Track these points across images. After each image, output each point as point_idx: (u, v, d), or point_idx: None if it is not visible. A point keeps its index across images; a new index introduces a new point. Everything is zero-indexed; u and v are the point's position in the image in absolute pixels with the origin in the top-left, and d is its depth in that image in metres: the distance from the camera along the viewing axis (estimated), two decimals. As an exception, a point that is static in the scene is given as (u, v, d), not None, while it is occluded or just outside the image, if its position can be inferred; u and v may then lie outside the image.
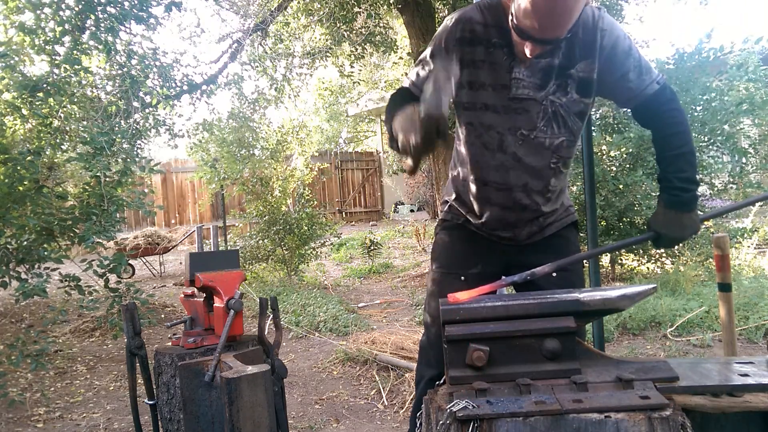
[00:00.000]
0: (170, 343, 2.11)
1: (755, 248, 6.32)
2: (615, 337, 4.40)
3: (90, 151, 3.91)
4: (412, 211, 16.47)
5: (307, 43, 8.76)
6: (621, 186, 5.41)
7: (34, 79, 3.97)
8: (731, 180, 5.70)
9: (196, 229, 6.77)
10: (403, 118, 1.46)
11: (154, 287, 8.23)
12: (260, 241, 7.67)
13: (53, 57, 4.08)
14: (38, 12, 4.10)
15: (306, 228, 7.50)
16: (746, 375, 1.22)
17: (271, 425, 1.61)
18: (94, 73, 4.64)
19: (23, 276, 3.64)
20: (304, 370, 4.22)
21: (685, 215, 1.61)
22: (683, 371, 1.25)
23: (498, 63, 1.63)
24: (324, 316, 5.42)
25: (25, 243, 3.71)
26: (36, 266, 3.78)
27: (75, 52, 4.15)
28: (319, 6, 7.95)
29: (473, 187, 1.81)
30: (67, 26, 4.13)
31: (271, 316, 2.05)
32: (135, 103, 4.65)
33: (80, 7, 4.20)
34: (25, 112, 3.98)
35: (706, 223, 5.84)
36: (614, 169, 5.76)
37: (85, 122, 4.35)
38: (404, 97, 1.70)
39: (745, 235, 5.84)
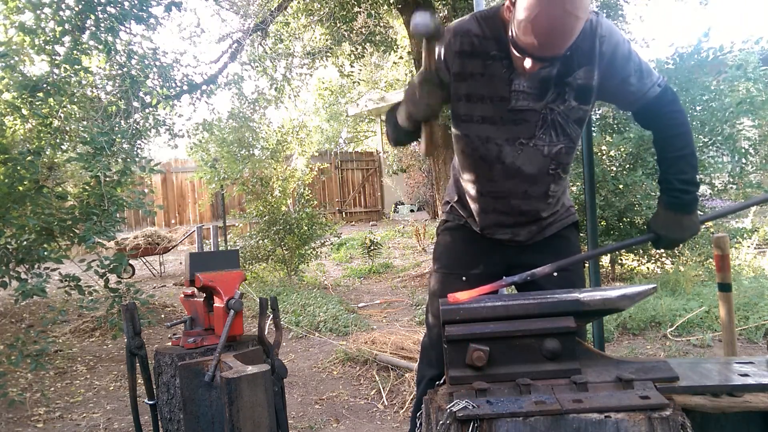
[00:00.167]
0: (170, 343, 2.11)
1: (755, 248, 6.32)
2: (615, 337, 4.39)
3: (90, 151, 3.91)
4: (412, 211, 16.47)
5: (307, 43, 8.77)
6: (621, 186, 5.40)
7: (34, 79, 3.97)
8: (731, 180, 5.70)
9: (196, 229, 6.77)
10: (404, 95, 1.55)
11: (154, 287, 8.23)
12: (260, 241, 7.66)
13: (53, 57, 4.08)
14: (38, 12, 4.10)
15: (306, 228, 7.50)
16: (746, 375, 1.22)
17: (271, 425, 1.61)
18: (94, 73, 4.64)
19: (23, 276, 3.64)
20: (304, 370, 4.22)
21: (685, 217, 1.61)
22: (683, 371, 1.25)
23: (497, 75, 1.62)
24: (324, 316, 5.42)
25: (25, 243, 3.71)
26: (36, 266, 3.78)
27: (75, 52, 4.15)
28: (319, 6, 7.96)
29: (472, 195, 1.81)
30: (67, 26, 4.13)
31: (271, 316, 2.05)
32: (135, 103, 4.65)
33: (80, 7, 4.20)
34: (25, 112, 3.98)
35: (706, 223, 5.83)
36: (614, 169, 5.76)
37: (85, 122, 4.35)
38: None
39: (745, 235, 5.84)
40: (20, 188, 3.67)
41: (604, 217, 5.55)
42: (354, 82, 10.34)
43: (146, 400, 2.05)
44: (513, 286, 1.68)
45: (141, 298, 3.96)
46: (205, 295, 2.10)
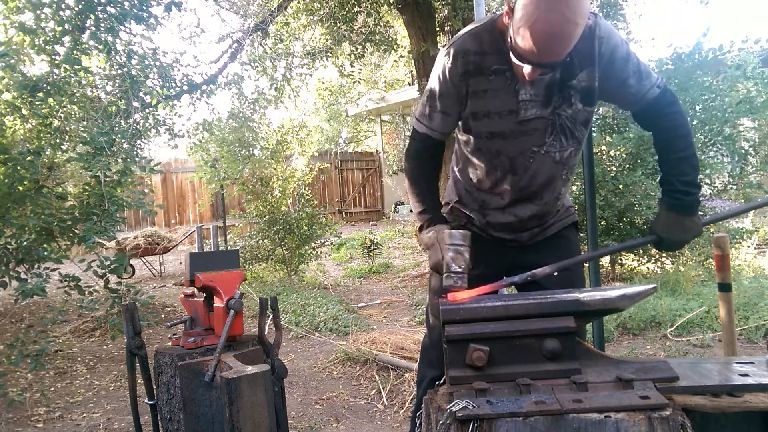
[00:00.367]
0: (170, 343, 2.11)
1: (755, 248, 6.32)
2: (615, 337, 4.39)
3: (90, 151, 3.91)
4: (411, 211, 16.44)
5: (307, 43, 8.77)
6: (621, 186, 5.41)
7: (34, 79, 3.97)
8: (731, 180, 5.70)
9: (196, 229, 6.77)
10: (431, 244, 1.67)
11: (154, 287, 8.23)
12: (260, 241, 7.66)
13: (53, 57, 4.08)
14: (38, 12, 4.10)
15: (306, 228, 7.50)
16: (746, 375, 1.22)
17: (271, 425, 1.61)
18: (94, 73, 4.64)
19: (23, 276, 3.64)
20: (304, 370, 4.22)
21: (687, 218, 1.61)
22: (683, 371, 1.25)
23: (503, 89, 1.62)
24: (324, 316, 5.42)
25: (25, 243, 3.71)
26: (36, 266, 3.78)
27: (75, 52, 4.15)
28: (319, 6, 7.96)
29: (485, 200, 1.81)
30: (67, 26, 4.13)
31: (271, 316, 2.05)
32: (135, 103, 4.65)
33: (80, 7, 4.19)
34: (25, 112, 3.98)
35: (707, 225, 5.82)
36: (614, 169, 5.76)
37: (85, 122, 4.35)
38: (426, 153, 1.80)
39: (745, 236, 5.84)
40: (20, 188, 3.67)
41: (604, 217, 5.55)
42: (354, 82, 10.33)
43: (146, 400, 2.05)
44: (513, 286, 1.69)
45: (141, 299, 3.96)
46: (205, 295, 2.10)
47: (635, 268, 6.05)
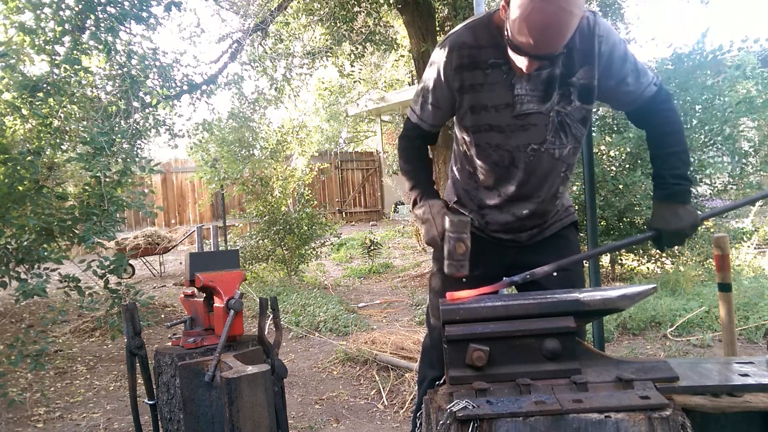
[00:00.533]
0: (170, 343, 2.11)
1: (755, 248, 6.32)
2: (615, 337, 4.39)
3: (90, 151, 3.91)
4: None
5: (307, 43, 8.77)
6: (621, 186, 5.41)
7: (34, 79, 3.97)
8: (731, 180, 5.70)
9: (196, 229, 6.77)
10: (425, 219, 1.73)
11: (154, 287, 8.23)
12: (260, 241, 7.66)
13: (53, 57, 4.08)
14: (38, 12, 4.10)
15: (306, 228, 7.50)
16: (746, 375, 1.22)
17: (271, 425, 1.61)
18: (94, 73, 4.64)
19: (23, 276, 3.64)
20: (304, 370, 4.22)
21: (680, 207, 1.61)
22: (683, 371, 1.25)
23: (498, 83, 1.62)
24: (324, 316, 5.42)
25: (25, 243, 3.71)
26: (36, 266, 3.78)
27: (75, 52, 4.15)
28: (319, 6, 7.96)
29: (482, 199, 1.81)
30: (67, 26, 4.13)
31: (271, 316, 2.05)
32: (135, 103, 4.65)
33: (80, 7, 4.20)
34: (25, 112, 3.98)
35: (706, 223, 5.84)
36: (614, 169, 5.76)
37: (85, 122, 4.35)
38: (417, 139, 1.87)
39: (744, 237, 5.84)
40: (20, 188, 3.67)
41: (604, 217, 5.55)
42: (354, 82, 10.33)
43: (146, 400, 2.05)
44: (513, 286, 1.69)
45: (141, 299, 3.96)
46: (205, 295, 2.10)
47: (635, 268, 6.05)
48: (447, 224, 1.59)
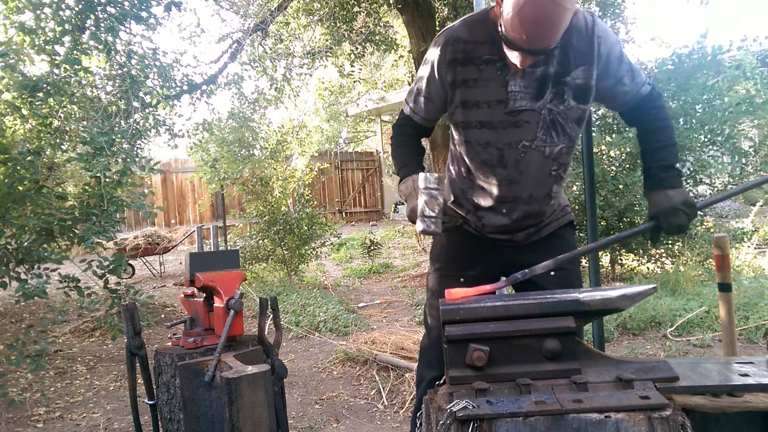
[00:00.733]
0: (170, 343, 2.11)
1: (755, 248, 6.32)
2: (615, 337, 4.39)
3: (90, 151, 3.91)
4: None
5: (307, 43, 8.77)
6: (621, 186, 5.41)
7: (34, 79, 3.97)
8: (731, 180, 5.70)
9: (196, 229, 6.76)
10: (408, 193, 1.72)
11: (154, 287, 8.23)
12: (260, 241, 7.66)
13: (53, 57, 4.08)
14: (38, 12, 4.10)
15: (306, 228, 7.50)
16: (746, 375, 1.22)
17: (271, 425, 1.61)
18: (94, 73, 4.64)
19: (23, 276, 3.64)
20: (304, 370, 4.22)
21: (669, 190, 1.62)
22: (683, 371, 1.25)
23: (492, 79, 1.63)
24: (324, 316, 5.42)
25: (25, 243, 3.71)
26: (36, 267, 3.78)
27: (75, 52, 4.15)
28: (319, 6, 7.96)
29: (478, 199, 1.82)
30: (67, 26, 4.13)
31: (271, 316, 2.05)
32: (135, 103, 4.65)
33: (80, 7, 4.20)
34: (25, 112, 3.98)
35: (706, 223, 5.84)
36: (614, 169, 5.77)
37: (85, 122, 4.35)
38: (409, 129, 1.89)
39: (744, 237, 5.84)
40: (20, 188, 3.67)
41: (604, 217, 5.55)
42: (354, 82, 10.33)
43: (146, 400, 2.05)
44: (511, 287, 1.69)
45: (141, 299, 3.96)
46: (205, 295, 2.10)
47: (635, 268, 6.05)
48: (419, 180, 1.56)
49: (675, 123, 5.44)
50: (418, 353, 2.16)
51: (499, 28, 1.50)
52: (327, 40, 8.20)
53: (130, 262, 8.56)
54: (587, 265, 3.00)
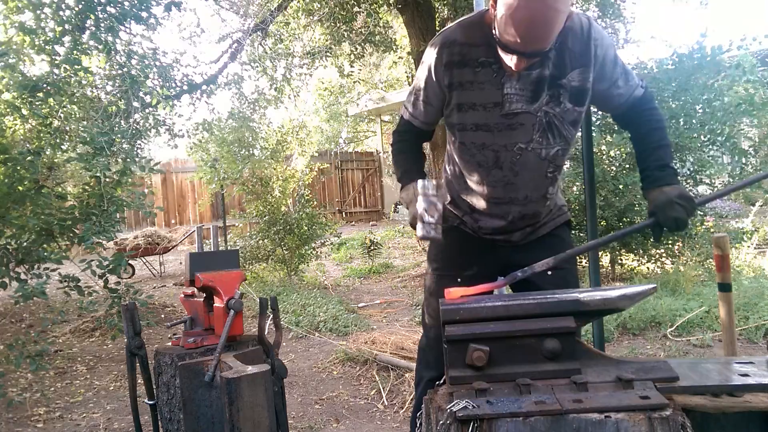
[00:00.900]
0: (170, 343, 2.11)
1: (755, 248, 6.32)
2: (615, 337, 4.39)
3: (90, 151, 3.91)
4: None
5: (307, 43, 8.76)
6: (621, 186, 5.41)
7: (34, 79, 3.97)
8: (731, 180, 5.70)
9: (196, 229, 6.75)
10: (409, 200, 1.72)
11: (154, 287, 8.23)
12: (260, 241, 7.66)
13: (53, 57, 4.07)
14: (38, 12, 4.10)
15: (306, 228, 7.50)
16: (746, 375, 1.22)
17: (271, 425, 1.61)
18: (94, 73, 4.64)
19: (23, 276, 3.64)
20: (304, 370, 4.22)
21: (665, 186, 1.62)
22: (683, 371, 1.25)
23: (488, 81, 1.63)
24: (324, 316, 5.42)
25: (25, 243, 3.71)
26: (36, 267, 3.78)
27: (75, 52, 4.15)
28: (319, 6, 7.95)
29: (473, 201, 1.82)
30: (67, 26, 4.13)
31: (271, 316, 2.05)
32: (135, 103, 4.65)
33: (80, 7, 4.19)
34: (25, 112, 3.98)
35: (706, 223, 5.84)
36: (614, 169, 5.77)
37: (85, 122, 4.35)
38: (409, 134, 1.89)
39: (744, 237, 5.84)
40: (20, 188, 3.67)
41: (604, 217, 5.55)
42: (354, 82, 10.33)
43: (146, 400, 2.05)
44: (510, 287, 1.69)
45: (140, 299, 3.96)
46: (205, 295, 2.10)
47: (635, 268, 6.05)
48: (418, 187, 1.58)
49: (675, 123, 5.44)
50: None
51: (494, 31, 1.50)
52: (327, 41, 8.20)
53: (130, 262, 8.55)
54: (587, 265, 3.00)
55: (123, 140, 4.28)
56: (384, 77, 15.62)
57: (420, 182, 1.60)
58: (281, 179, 8.27)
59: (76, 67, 4.09)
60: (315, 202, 8.24)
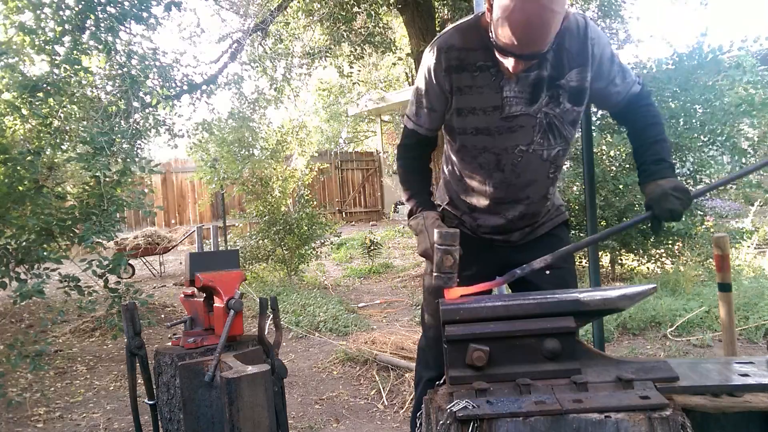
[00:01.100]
0: (170, 343, 2.11)
1: (755, 248, 6.32)
2: (615, 337, 4.39)
3: (90, 151, 3.91)
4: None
5: (306, 43, 8.77)
6: (621, 186, 5.41)
7: (34, 79, 3.97)
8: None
9: (196, 229, 6.74)
10: (419, 230, 1.73)
11: (154, 287, 8.23)
12: (260, 241, 7.66)
13: (53, 57, 4.07)
14: (38, 12, 4.10)
15: (306, 228, 7.50)
16: (746, 375, 1.22)
17: (271, 425, 1.61)
18: (94, 73, 4.64)
19: (23, 276, 3.64)
20: (304, 370, 4.22)
21: (661, 180, 1.62)
22: (683, 371, 1.25)
23: (487, 85, 1.62)
24: (324, 316, 5.42)
25: (25, 243, 3.71)
26: (35, 266, 3.77)
27: (75, 52, 4.14)
28: (319, 6, 7.96)
29: (472, 202, 1.82)
30: (67, 26, 4.13)
31: (271, 316, 2.05)
32: (135, 103, 4.64)
33: (80, 7, 4.19)
34: (25, 112, 3.98)
35: (706, 223, 5.84)
36: (614, 169, 5.77)
37: (85, 122, 4.35)
38: (415, 148, 1.87)
39: (744, 237, 5.84)
40: (20, 188, 3.67)
41: (604, 217, 5.55)
42: (353, 83, 10.34)
43: (146, 400, 2.05)
44: (508, 287, 1.69)
45: (140, 299, 3.96)
46: (205, 295, 2.10)
47: (635, 268, 6.05)
48: (435, 236, 1.58)
49: (675, 123, 5.44)
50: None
51: (491, 34, 1.50)
52: (327, 41, 8.20)
53: (130, 262, 8.55)
54: (587, 265, 3.00)
55: (123, 140, 4.28)
56: (384, 77, 15.62)
57: (436, 232, 1.57)
58: (281, 179, 8.27)
59: (76, 67, 4.09)
60: (315, 202, 8.24)
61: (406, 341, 4.26)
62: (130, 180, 4.09)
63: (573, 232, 5.65)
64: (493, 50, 1.53)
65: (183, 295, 2.22)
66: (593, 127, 5.31)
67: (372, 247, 8.75)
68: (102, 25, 4.35)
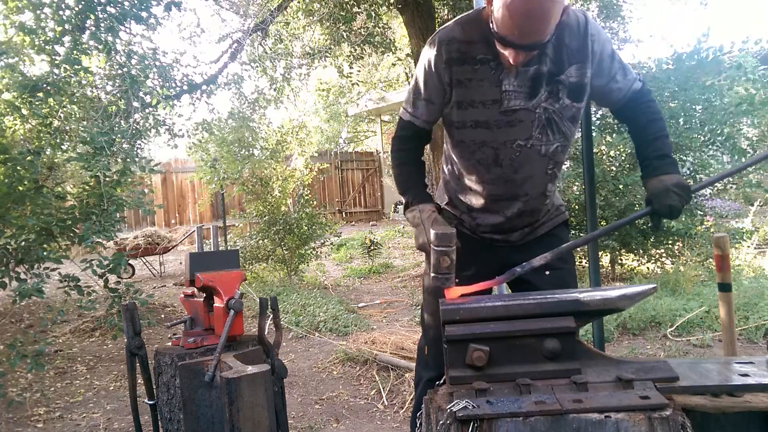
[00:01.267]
0: (170, 343, 2.11)
1: (755, 248, 6.32)
2: (615, 337, 4.39)
3: (90, 151, 3.91)
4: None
5: (306, 43, 8.77)
6: (621, 186, 5.41)
7: (34, 79, 3.97)
8: (731, 180, 5.70)
9: (196, 229, 6.74)
10: (416, 224, 1.70)
11: (154, 287, 8.23)
12: (260, 241, 7.66)
13: (53, 57, 4.07)
14: (38, 12, 4.10)
15: (306, 228, 7.50)
16: (746, 375, 1.22)
17: (271, 425, 1.61)
18: (94, 73, 4.64)
19: (22, 276, 3.64)
20: (304, 370, 4.22)
21: (663, 175, 1.62)
22: (683, 371, 1.25)
23: (486, 78, 1.63)
24: (324, 316, 5.42)
25: (25, 243, 3.71)
26: (35, 266, 3.77)
27: (75, 52, 4.14)
28: (319, 6, 7.96)
29: (473, 200, 1.81)
30: (67, 26, 4.13)
31: (271, 316, 2.05)
32: (135, 103, 4.64)
33: (80, 7, 4.19)
34: (25, 112, 3.98)
35: (706, 223, 5.84)
36: (614, 169, 5.77)
37: (85, 122, 4.35)
38: (410, 140, 1.85)
39: (744, 237, 5.84)
40: (20, 188, 3.67)
41: (604, 217, 5.55)
42: (353, 84, 10.34)
43: (146, 400, 2.05)
44: (508, 287, 1.69)
45: (140, 298, 3.96)
46: (205, 295, 2.10)
47: (635, 268, 6.05)
48: (432, 237, 1.57)
49: (675, 123, 5.44)
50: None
51: (491, 26, 1.50)
52: (326, 41, 8.20)
53: (130, 261, 8.55)
54: (587, 265, 3.00)
55: (123, 140, 4.28)
56: (384, 77, 15.62)
57: (433, 234, 1.56)
58: (281, 179, 8.27)
59: (76, 67, 4.09)
60: (315, 202, 8.24)
61: (406, 341, 4.26)
62: (130, 180, 4.09)
63: (573, 232, 5.65)
64: (494, 43, 1.54)
65: (183, 295, 2.22)
66: (593, 127, 5.31)
67: (372, 247, 8.75)
68: (102, 25, 4.35)
